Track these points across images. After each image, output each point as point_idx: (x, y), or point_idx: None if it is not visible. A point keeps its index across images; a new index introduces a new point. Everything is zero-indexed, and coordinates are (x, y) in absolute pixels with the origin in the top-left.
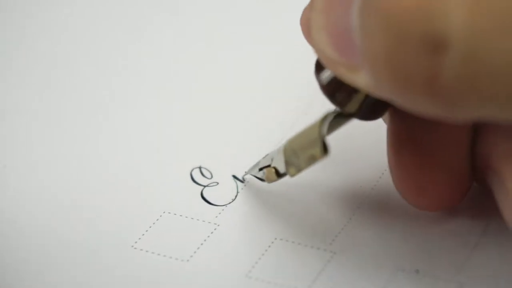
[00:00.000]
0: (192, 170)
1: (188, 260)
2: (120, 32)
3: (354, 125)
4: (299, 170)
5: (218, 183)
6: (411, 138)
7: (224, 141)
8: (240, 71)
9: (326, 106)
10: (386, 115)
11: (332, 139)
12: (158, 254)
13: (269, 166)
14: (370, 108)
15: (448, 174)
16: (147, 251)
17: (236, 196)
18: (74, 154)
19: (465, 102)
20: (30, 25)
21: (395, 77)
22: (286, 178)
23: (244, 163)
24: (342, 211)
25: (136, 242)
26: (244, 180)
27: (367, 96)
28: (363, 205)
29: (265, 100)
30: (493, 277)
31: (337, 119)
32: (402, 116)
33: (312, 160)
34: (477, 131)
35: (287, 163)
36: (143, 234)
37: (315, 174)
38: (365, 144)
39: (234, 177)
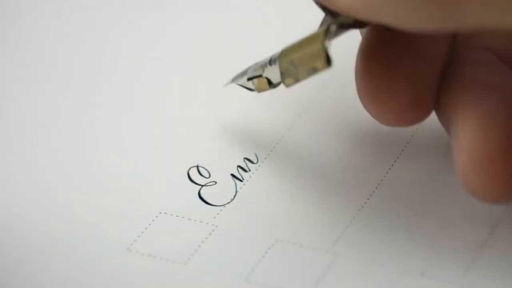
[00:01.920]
0: (189, 169)
1: (185, 263)
2: (116, 31)
3: (356, 125)
4: (297, 80)
5: (216, 182)
6: (382, 44)
7: (222, 140)
8: (239, 68)
9: (326, 105)
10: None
11: (336, 135)
12: (154, 257)
13: (259, 76)
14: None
15: (407, 86)
16: (142, 254)
17: (234, 196)
18: (69, 154)
19: (464, 4)
20: (24, 24)
21: None
22: (284, 181)
23: (242, 162)
24: (344, 211)
25: (131, 244)
26: (227, 84)
27: None
28: (367, 204)
29: (264, 97)
30: (500, 279)
31: (336, 30)
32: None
33: (313, 71)
34: (450, 72)
35: (283, 74)
36: (138, 236)
37: (315, 174)
38: (368, 143)
39: (233, 176)
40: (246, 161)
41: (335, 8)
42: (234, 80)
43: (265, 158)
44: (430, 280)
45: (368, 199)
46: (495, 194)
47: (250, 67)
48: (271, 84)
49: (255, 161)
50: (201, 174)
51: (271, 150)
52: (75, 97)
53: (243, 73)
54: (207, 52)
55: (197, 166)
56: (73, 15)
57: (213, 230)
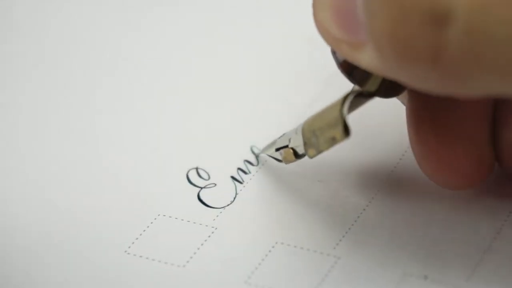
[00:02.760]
0: (188, 171)
1: (184, 266)
2: (116, 31)
3: (358, 126)
4: (318, 151)
5: (215, 184)
6: (430, 114)
7: (222, 141)
8: (239, 69)
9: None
10: (403, 95)
11: None
12: (153, 260)
13: (286, 146)
14: (390, 85)
15: (469, 149)
16: (141, 256)
17: (234, 198)
18: (67, 154)
19: (470, 75)
20: (23, 23)
21: (400, 52)
22: (285, 180)
23: (242, 164)
24: (346, 213)
25: (129, 246)
26: (258, 157)
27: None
28: (369, 207)
29: (265, 97)
30: (504, 284)
31: (358, 99)
32: (420, 92)
33: (332, 141)
34: (502, 114)
35: (306, 144)
36: (136, 238)
37: (316, 176)
38: (370, 145)
39: (233, 178)
40: (246, 163)
41: (358, 64)
42: (264, 150)
43: (266, 161)
44: (433, 284)
45: (370, 201)
46: None
47: (279, 137)
48: (297, 155)
49: (255, 163)
50: (200, 176)
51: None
52: (74, 98)
53: (273, 143)
54: (207, 53)
55: (197, 168)
56: (73, 15)
57: (212, 233)
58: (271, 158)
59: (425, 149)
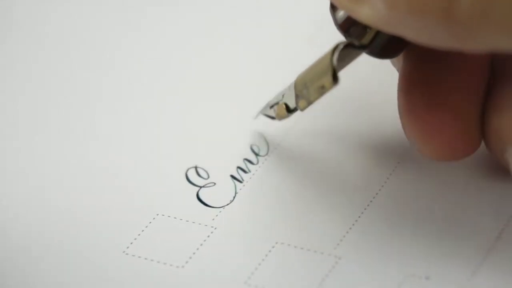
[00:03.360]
0: (187, 170)
1: (183, 266)
2: (113, 30)
3: (359, 126)
4: (309, 102)
5: (215, 183)
6: (423, 79)
7: (221, 140)
8: (238, 68)
9: (329, 106)
10: (397, 59)
11: (339, 136)
12: (151, 260)
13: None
14: (382, 43)
15: (456, 118)
16: (139, 257)
17: (234, 198)
18: (65, 154)
19: (479, 29)
20: (22, 23)
21: (413, 4)
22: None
23: (242, 162)
24: (347, 213)
25: (127, 247)
26: (257, 116)
27: (380, 31)
28: (370, 206)
29: (265, 97)
30: (508, 284)
31: (349, 51)
32: (416, 56)
33: (321, 90)
34: (493, 97)
35: (297, 97)
36: (135, 239)
37: (317, 175)
38: (371, 144)
39: (232, 177)
40: (246, 162)
41: (357, 18)
42: (261, 111)
43: (266, 160)
44: (435, 284)
45: (371, 201)
46: None
47: (274, 96)
48: (289, 110)
49: (255, 162)
50: (199, 175)
51: (272, 151)
52: (73, 97)
53: (268, 103)
54: (206, 53)
55: (196, 167)
56: (72, 14)
57: (211, 232)
58: (270, 159)
59: (413, 115)
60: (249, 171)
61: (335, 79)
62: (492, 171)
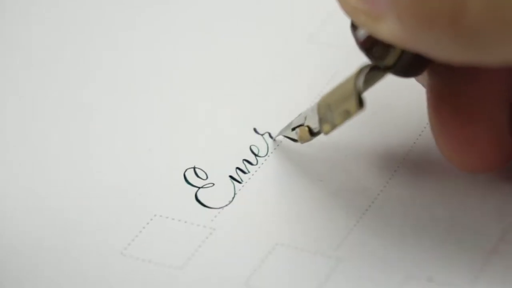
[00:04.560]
0: (185, 170)
1: (181, 268)
2: (113, 29)
3: (360, 126)
4: (333, 126)
5: (213, 184)
6: (451, 93)
7: (220, 140)
8: (238, 68)
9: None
10: (423, 76)
11: (339, 136)
12: (149, 262)
13: (302, 125)
14: (407, 62)
15: (490, 130)
16: (137, 258)
17: (233, 198)
18: (61, 154)
19: (490, 40)
20: (12, 20)
21: (420, 18)
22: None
23: (241, 163)
24: (348, 214)
25: (125, 248)
26: (275, 140)
27: (404, 51)
28: (371, 207)
29: (265, 96)
30: (511, 285)
31: (374, 73)
32: (441, 71)
33: (346, 115)
34: None
35: (321, 120)
36: (132, 240)
37: (318, 176)
38: (373, 145)
39: (231, 177)
40: (245, 162)
41: (377, 36)
42: (281, 132)
43: (265, 160)
44: (437, 286)
45: (373, 202)
46: None
47: (297, 117)
48: (312, 133)
49: (254, 162)
50: (198, 176)
51: (271, 152)
52: (68, 98)
53: (289, 124)
54: (206, 52)
55: (194, 168)
56: (69, 13)
57: (210, 234)
58: (270, 160)
59: (445, 129)
60: (248, 171)
61: (360, 103)
62: (494, 174)
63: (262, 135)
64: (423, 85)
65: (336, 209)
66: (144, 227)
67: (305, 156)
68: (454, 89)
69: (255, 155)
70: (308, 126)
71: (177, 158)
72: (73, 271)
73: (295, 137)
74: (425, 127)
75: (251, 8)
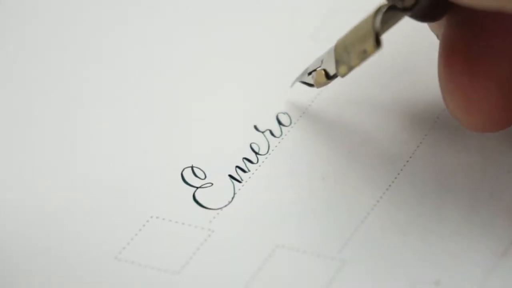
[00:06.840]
0: (183, 169)
1: (178, 272)
2: (105, 29)
3: (364, 124)
4: (350, 68)
5: (212, 184)
6: (465, 46)
7: (219, 138)
8: (237, 66)
9: (332, 103)
10: (439, 25)
11: (343, 133)
12: (145, 266)
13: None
14: (427, 4)
15: (500, 88)
16: (132, 263)
17: (232, 199)
18: (56, 155)
19: None
20: (8, 19)
21: None
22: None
23: (241, 161)
24: (352, 214)
25: (120, 252)
26: (292, 85)
27: None
28: (377, 207)
29: (264, 95)
30: None
31: (391, 14)
32: (458, 22)
33: (363, 55)
34: None
35: (338, 62)
36: (128, 243)
37: (320, 175)
38: (377, 142)
39: (231, 177)
40: (245, 161)
41: None
42: (298, 78)
43: (266, 158)
44: None
45: (378, 201)
46: None
47: (312, 62)
48: (328, 76)
49: (255, 161)
50: (196, 175)
51: (273, 150)
52: (63, 97)
53: (306, 70)
54: (205, 51)
55: (192, 167)
56: (64, 12)
57: (209, 236)
58: (271, 156)
59: (454, 83)
60: (249, 170)
61: (378, 43)
62: (505, 174)
63: (263, 132)
64: (437, 36)
65: (339, 209)
66: (140, 230)
67: (307, 155)
68: (469, 41)
69: (256, 153)
70: (324, 70)
71: (174, 156)
72: (66, 276)
73: (311, 81)
74: (426, 135)
75: (253, 5)
